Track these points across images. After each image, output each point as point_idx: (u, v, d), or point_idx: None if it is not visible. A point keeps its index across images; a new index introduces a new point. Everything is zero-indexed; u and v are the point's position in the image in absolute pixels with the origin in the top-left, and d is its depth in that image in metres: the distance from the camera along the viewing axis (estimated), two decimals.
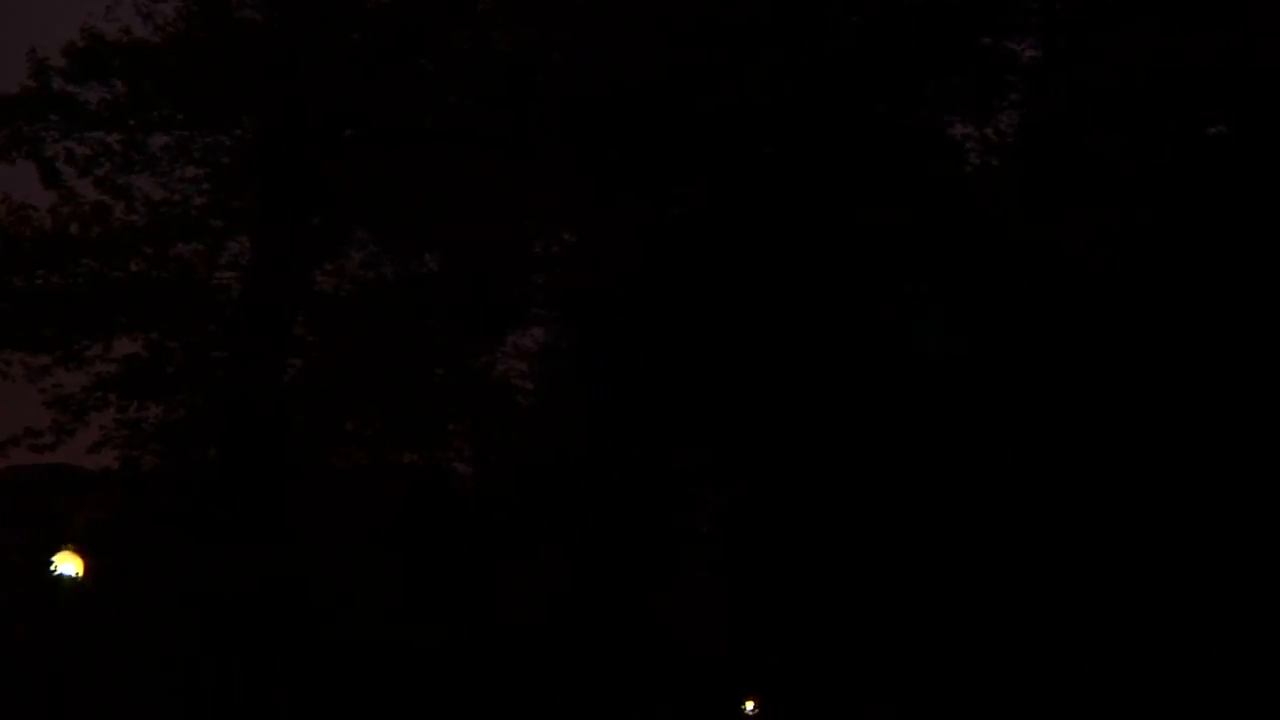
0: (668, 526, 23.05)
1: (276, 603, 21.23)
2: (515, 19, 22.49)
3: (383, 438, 22.93)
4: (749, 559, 22.81)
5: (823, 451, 21.45)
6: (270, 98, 22.82)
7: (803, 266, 22.43)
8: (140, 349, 22.53)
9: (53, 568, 22.87)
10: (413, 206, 22.34)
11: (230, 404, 22.37)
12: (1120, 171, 22.12)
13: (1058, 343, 21.43)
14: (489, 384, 23.49)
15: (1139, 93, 21.91)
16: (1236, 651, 20.51)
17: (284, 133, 22.89)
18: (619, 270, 21.88)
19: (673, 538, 23.19)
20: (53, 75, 22.64)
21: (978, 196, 22.00)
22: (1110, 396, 21.05)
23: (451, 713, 21.63)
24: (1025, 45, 22.18)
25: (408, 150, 22.23)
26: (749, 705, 24.36)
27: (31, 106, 22.68)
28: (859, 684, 21.34)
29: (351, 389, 22.86)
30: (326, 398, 22.92)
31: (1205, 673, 20.55)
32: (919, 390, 21.14)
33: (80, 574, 22.91)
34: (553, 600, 22.07)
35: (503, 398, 23.57)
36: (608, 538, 22.30)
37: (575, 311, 23.04)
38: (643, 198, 21.94)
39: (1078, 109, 21.88)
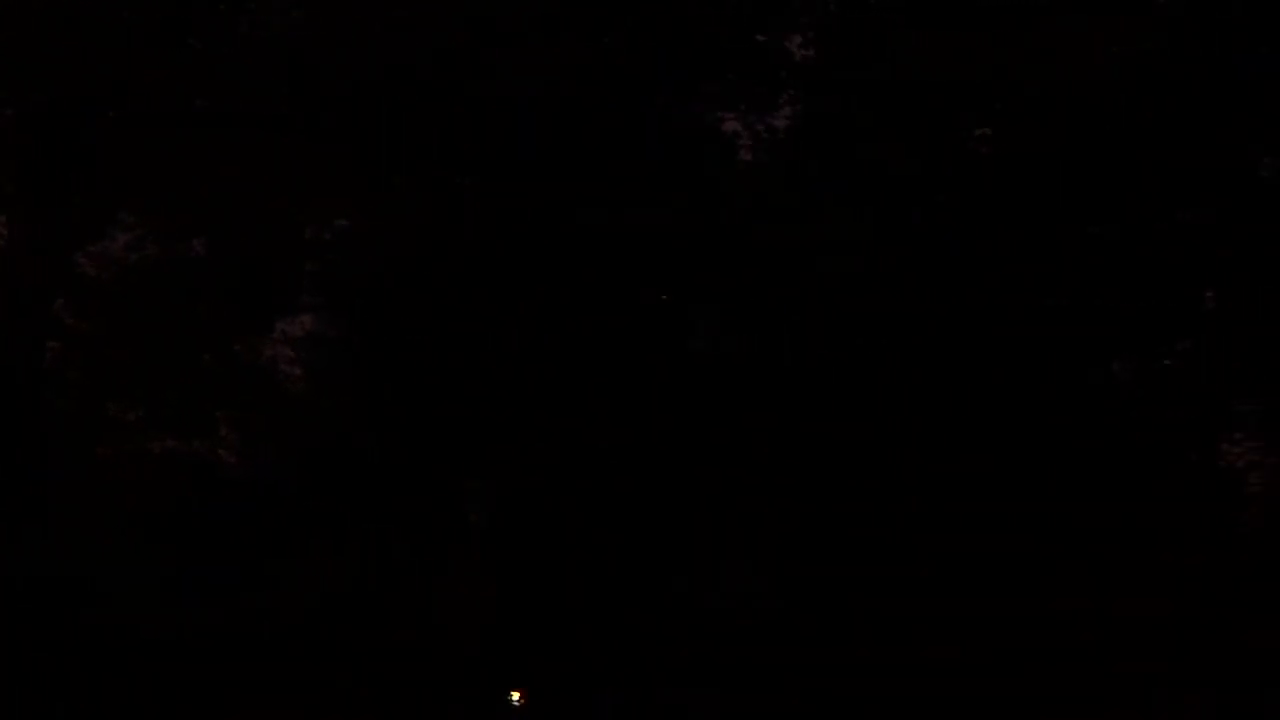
0: (437, 516, 22.93)
1: (36, 593, 20.72)
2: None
3: (146, 424, 22.55)
4: (517, 549, 22.80)
5: (593, 445, 21.55)
6: (32, 75, 22.19)
7: (572, 260, 22.50)
8: None
9: None
10: (181, 189, 21.97)
11: None
12: (889, 169, 22.60)
13: (826, 339, 21.84)
14: (256, 370, 23.20)
15: (908, 92, 22.39)
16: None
17: (46, 111, 22.29)
18: (392, 259, 21.74)
19: (442, 527, 23.08)
20: None
21: (750, 192, 22.27)
22: (878, 391, 21.54)
23: (215, 704, 21.31)
24: (799, 43, 22.49)
25: (176, 131, 21.82)
26: (515, 696, 24.34)
27: None
28: (625, 673, 21.50)
29: (114, 374, 22.41)
30: (88, 383, 22.43)
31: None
32: (690, 386, 21.38)
33: None
34: (319, 590, 21.85)
35: (269, 384, 23.28)
36: (376, 527, 22.13)
37: (346, 299, 22.82)
38: (418, 187, 21.80)
39: (849, 107, 22.28)
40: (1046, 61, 21.85)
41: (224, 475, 23.28)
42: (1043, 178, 22.26)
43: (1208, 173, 21.90)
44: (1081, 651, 21.32)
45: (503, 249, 22.01)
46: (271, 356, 23.29)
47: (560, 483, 22.57)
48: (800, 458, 20.98)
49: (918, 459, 21.74)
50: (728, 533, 21.95)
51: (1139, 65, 21.84)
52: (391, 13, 21.38)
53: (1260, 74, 21.52)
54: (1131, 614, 21.43)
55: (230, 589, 21.61)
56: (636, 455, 22.06)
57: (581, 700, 22.03)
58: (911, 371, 22.23)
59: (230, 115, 21.80)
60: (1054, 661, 21.11)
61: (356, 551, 22.43)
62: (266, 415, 23.13)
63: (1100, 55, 21.92)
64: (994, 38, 21.76)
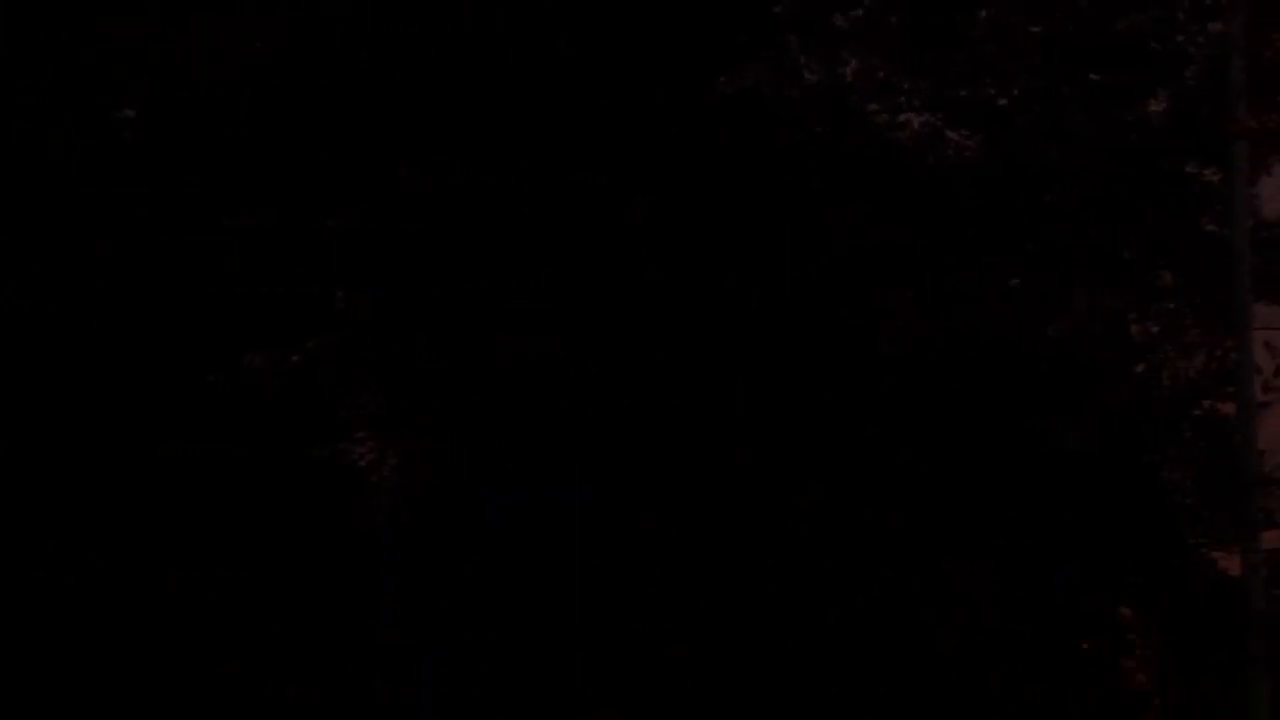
0: None
1: None
2: None
3: None
4: None
5: None
6: None
7: None
8: None
9: None
10: None
11: None
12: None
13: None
14: None
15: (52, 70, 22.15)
16: None
17: None
18: None
19: None
20: None
21: None
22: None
23: None
24: None
25: None
26: None
27: None
28: None
29: None
30: None
31: None
32: None
33: None
34: None
35: None
36: None
37: None
38: None
39: None
40: (199, 49, 22.07)
41: None
42: (186, 167, 22.38)
43: (347, 175, 22.56)
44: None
45: None
46: None
47: None
48: None
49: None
50: None
51: (289, 64, 22.34)
52: None
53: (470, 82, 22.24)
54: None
55: None
56: None
57: None
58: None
59: None
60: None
61: None
62: None
63: (252, 49, 22.32)
64: (143, 18, 21.84)
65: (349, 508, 22.96)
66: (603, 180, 22.05)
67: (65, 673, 20.79)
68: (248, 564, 21.65)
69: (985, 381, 22.18)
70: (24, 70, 22.08)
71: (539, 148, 22.16)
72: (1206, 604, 24.01)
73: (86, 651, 21.11)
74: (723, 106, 22.51)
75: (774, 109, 22.59)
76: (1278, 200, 24.53)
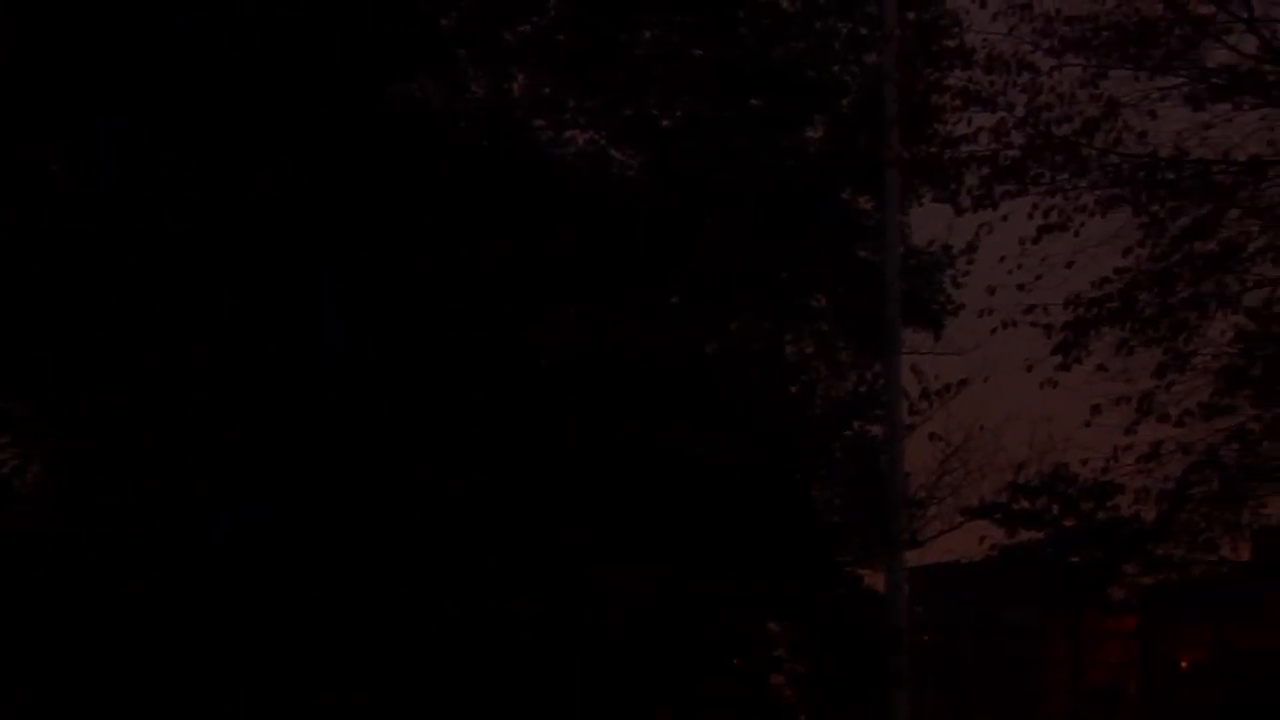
0: None
1: None
2: None
3: None
4: None
5: None
6: None
7: None
8: None
9: None
10: None
11: None
12: None
13: None
14: None
15: None
16: None
17: None
18: None
19: None
20: None
21: None
22: None
23: None
24: None
25: None
26: None
27: None
28: None
29: None
30: None
31: None
32: None
33: None
34: None
35: None
36: None
37: None
38: None
39: None
40: None
41: None
42: None
43: None
44: None
45: None
46: None
47: None
48: None
49: None
50: None
51: None
52: None
53: None
54: None
55: None
56: None
57: None
58: None
59: None
60: None
61: None
62: None
63: None
64: None
65: None
66: (260, 186, 21.65)
67: None
68: None
69: (643, 398, 22.35)
70: None
71: (196, 147, 21.67)
72: (852, 620, 24.60)
73: None
74: (388, 118, 22.29)
75: (440, 122, 22.45)
76: (927, 228, 25.44)
